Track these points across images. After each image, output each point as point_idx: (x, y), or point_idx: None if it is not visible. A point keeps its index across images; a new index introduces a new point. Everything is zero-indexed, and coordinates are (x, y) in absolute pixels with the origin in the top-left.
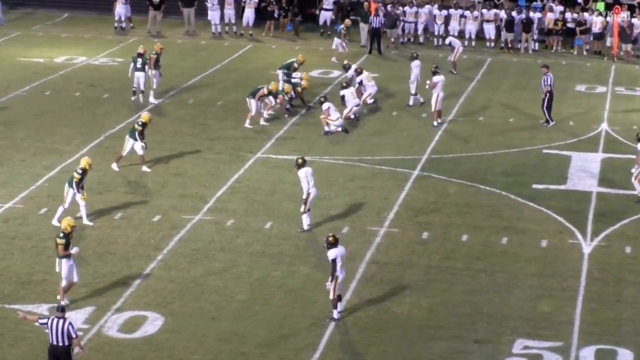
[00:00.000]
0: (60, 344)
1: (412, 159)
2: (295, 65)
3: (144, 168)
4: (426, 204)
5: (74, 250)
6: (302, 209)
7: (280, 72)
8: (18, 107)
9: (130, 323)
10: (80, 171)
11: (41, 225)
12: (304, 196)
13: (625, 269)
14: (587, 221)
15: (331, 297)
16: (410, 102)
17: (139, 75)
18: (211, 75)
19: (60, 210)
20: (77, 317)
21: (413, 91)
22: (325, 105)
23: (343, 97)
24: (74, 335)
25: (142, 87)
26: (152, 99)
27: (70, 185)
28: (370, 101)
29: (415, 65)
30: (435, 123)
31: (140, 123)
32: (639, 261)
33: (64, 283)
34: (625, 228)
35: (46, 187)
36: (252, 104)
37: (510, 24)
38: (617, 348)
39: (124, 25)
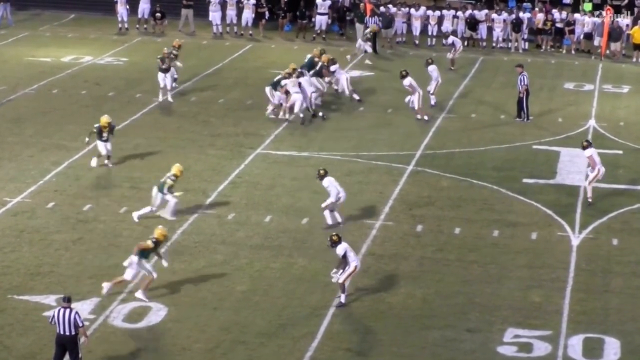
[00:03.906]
0: (67, 333)
1: (406, 154)
2: (316, 60)
3: (106, 163)
4: (420, 198)
5: (164, 261)
6: (323, 205)
7: (306, 74)
8: (26, 104)
9: (134, 313)
10: (173, 177)
11: (49, 218)
12: (330, 201)
13: (612, 260)
14: (575, 214)
15: (341, 281)
16: (432, 102)
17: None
18: (213, 74)
19: (146, 209)
20: (83, 308)
21: (431, 91)
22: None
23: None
24: (80, 324)
25: (175, 76)
26: (169, 98)
27: (160, 190)
28: (357, 98)
29: (432, 70)
30: (425, 117)
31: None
32: (626, 253)
33: (127, 278)
34: (612, 221)
35: (54, 182)
36: (274, 94)
37: (472, 25)
38: (605, 337)
39: (126, 25)
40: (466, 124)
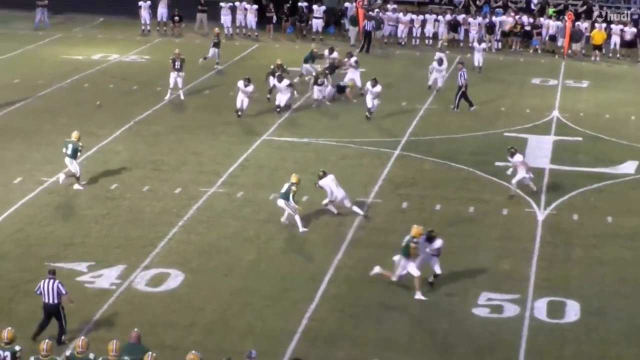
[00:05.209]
0: (51, 301)
1: (393, 140)
2: (314, 52)
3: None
4: (405, 179)
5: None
6: (332, 209)
7: (308, 65)
8: (61, 97)
9: (155, 279)
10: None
11: (80, 196)
12: (327, 200)
13: (573, 234)
14: (541, 193)
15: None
16: (438, 85)
17: (213, 50)
18: (224, 70)
19: (298, 220)
20: (111, 274)
21: (430, 82)
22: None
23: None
24: (63, 292)
25: (210, 55)
26: (181, 95)
27: (285, 198)
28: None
29: (442, 69)
30: (368, 115)
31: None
32: (585, 227)
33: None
34: (572, 199)
35: (84, 164)
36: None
37: (454, 26)
38: (566, 300)
39: (149, 28)
40: (446, 115)
